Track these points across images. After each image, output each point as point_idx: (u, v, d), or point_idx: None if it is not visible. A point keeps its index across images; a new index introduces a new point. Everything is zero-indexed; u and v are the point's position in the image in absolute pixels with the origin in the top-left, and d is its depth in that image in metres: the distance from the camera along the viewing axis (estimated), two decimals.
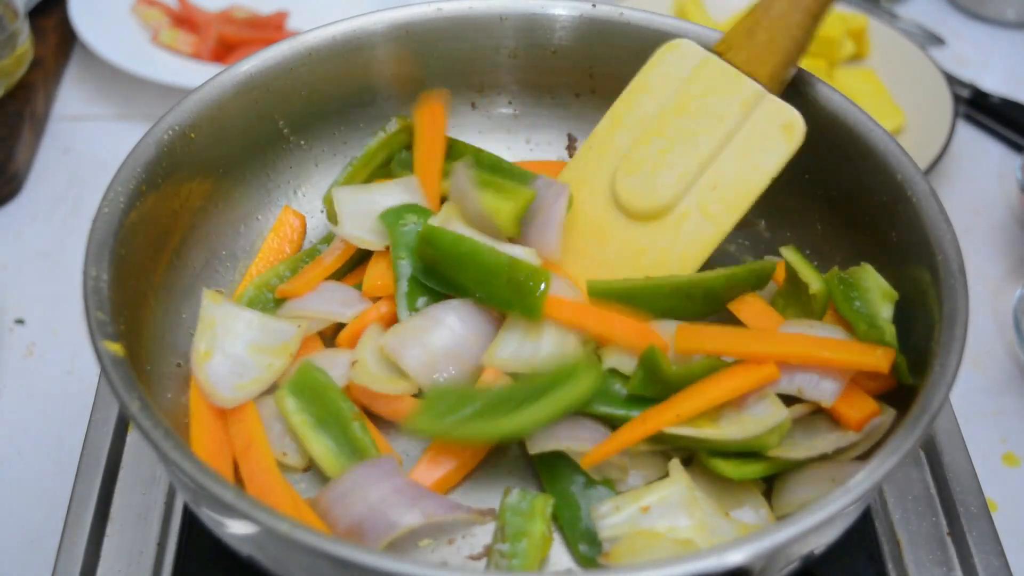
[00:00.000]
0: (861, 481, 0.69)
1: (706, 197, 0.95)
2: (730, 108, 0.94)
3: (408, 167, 1.04)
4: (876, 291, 0.88)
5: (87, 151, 1.44)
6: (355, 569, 0.64)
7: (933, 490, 0.94)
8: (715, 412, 0.83)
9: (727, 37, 0.96)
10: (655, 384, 0.85)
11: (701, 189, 0.95)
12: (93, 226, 0.82)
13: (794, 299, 0.93)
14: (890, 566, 0.89)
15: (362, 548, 0.64)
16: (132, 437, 0.94)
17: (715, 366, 0.84)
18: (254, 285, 0.97)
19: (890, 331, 0.85)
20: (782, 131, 0.93)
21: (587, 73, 1.09)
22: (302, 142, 1.05)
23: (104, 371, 0.73)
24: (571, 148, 1.12)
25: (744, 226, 1.07)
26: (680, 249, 0.95)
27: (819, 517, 0.67)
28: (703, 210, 0.95)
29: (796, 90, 0.98)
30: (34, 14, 1.53)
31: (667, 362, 0.84)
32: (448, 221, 0.94)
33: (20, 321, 1.21)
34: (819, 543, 0.75)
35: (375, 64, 1.05)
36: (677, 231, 0.95)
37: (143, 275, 0.88)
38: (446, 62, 1.08)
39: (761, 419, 0.82)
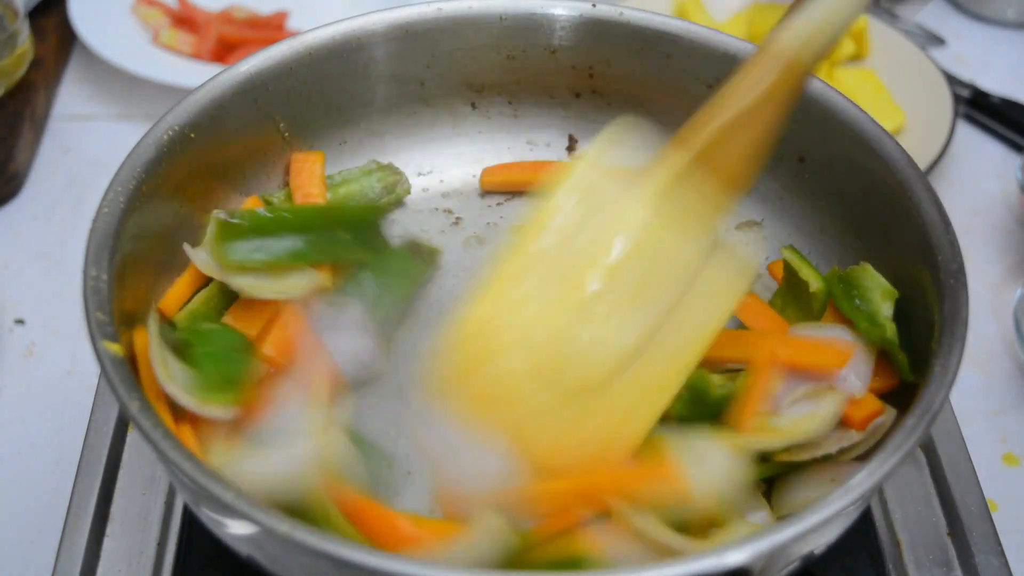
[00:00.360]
0: (861, 481, 0.69)
1: (651, 365, 0.77)
2: (691, 255, 0.78)
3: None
4: (876, 289, 0.89)
5: (87, 151, 1.44)
6: (355, 569, 0.64)
7: (933, 490, 0.94)
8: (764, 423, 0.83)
9: (704, 145, 0.78)
10: (700, 406, 0.84)
11: (647, 356, 0.77)
12: (93, 226, 0.82)
13: (793, 298, 0.93)
14: (890, 566, 0.89)
15: (362, 548, 0.64)
16: (132, 437, 0.94)
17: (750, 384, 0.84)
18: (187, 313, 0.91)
19: (891, 328, 0.86)
20: (736, 277, 0.81)
21: (587, 73, 1.09)
22: (302, 142, 1.05)
23: (104, 371, 0.73)
24: (572, 148, 1.12)
25: (745, 226, 1.07)
26: (615, 425, 0.78)
27: (819, 517, 0.67)
28: (647, 380, 0.78)
29: None
30: (34, 14, 1.53)
31: (714, 386, 0.83)
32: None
33: (20, 321, 1.21)
34: (819, 543, 0.75)
35: (375, 64, 1.05)
36: (614, 404, 0.77)
37: (143, 275, 0.88)
38: (446, 62, 1.08)
39: (810, 415, 0.82)
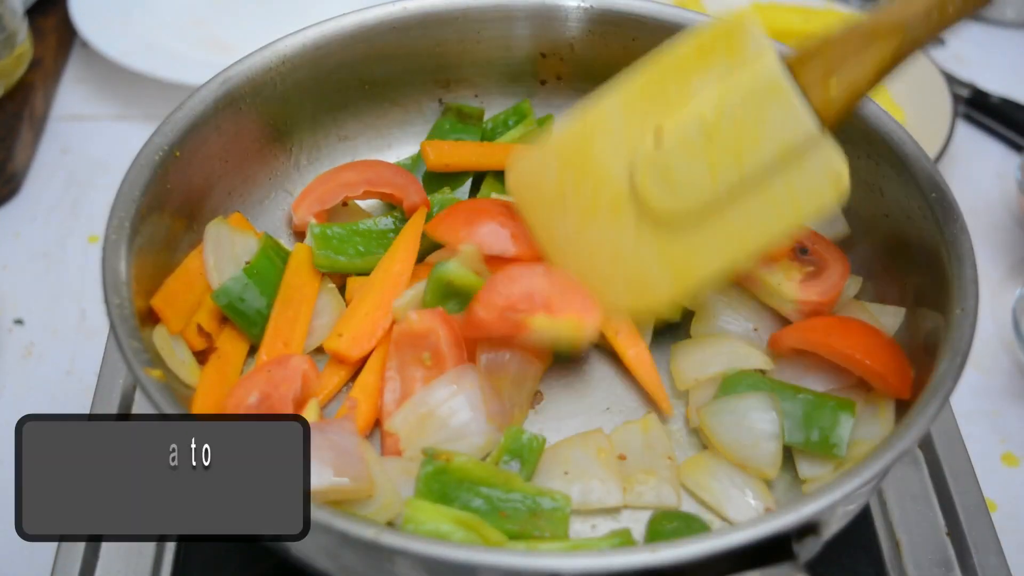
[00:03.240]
0: (861, 480, 0.69)
1: (736, 221, 0.84)
2: (784, 142, 0.82)
3: None
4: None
5: (86, 151, 1.44)
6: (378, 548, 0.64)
7: (932, 490, 0.94)
8: None
9: (815, 50, 0.84)
10: None
11: (734, 212, 0.84)
12: (104, 255, 0.80)
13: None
14: (890, 566, 0.89)
15: (375, 527, 0.64)
16: None
17: None
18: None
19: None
20: (829, 181, 0.83)
21: (556, 58, 1.08)
22: (300, 149, 1.05)
23: (149, 398, 0.72)
24: None
25: None
26: (688, 265, 0.86)
27: (818, 507, 0.67)
28: (727, 233, 0.84)
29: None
30: (34, 14, 1.53)
31: None
32: None
33: (19, 321, 1.21)
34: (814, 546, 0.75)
35: (344, 68, 1.04)
36: (693, 246, 0.85)
37: (144, 274, 0.88)
38: (412, 59, 1.06)
39: None
